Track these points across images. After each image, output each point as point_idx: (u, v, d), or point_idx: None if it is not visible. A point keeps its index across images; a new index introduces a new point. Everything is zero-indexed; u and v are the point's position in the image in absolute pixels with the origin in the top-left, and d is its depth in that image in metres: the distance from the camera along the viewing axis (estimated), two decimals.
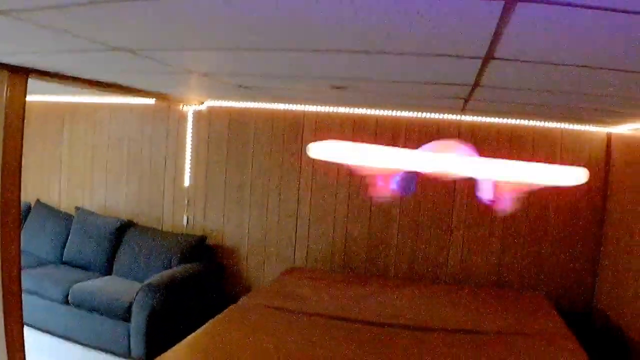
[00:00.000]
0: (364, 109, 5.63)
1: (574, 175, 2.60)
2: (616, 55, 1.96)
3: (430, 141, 5.35)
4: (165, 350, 3.26)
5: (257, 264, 6.16)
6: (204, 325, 3.69)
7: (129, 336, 5.00)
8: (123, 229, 6.20)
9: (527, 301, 4.78)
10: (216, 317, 3.89)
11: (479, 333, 3.90)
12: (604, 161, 5.21)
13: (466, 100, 3.89)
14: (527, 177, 2.59)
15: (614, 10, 1.38)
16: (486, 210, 5.41)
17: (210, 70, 3.55)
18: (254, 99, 5.58)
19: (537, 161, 5.08)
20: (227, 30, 2.09)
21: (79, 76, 3.96)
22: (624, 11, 1.38)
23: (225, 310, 4.07)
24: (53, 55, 3.02)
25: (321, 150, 2.76)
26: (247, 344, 3.41)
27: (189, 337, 3.46)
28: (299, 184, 5.96)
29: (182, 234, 6.17)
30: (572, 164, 5.03)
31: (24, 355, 3.50)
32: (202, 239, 6.07)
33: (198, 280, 5.70)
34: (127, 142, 6.61)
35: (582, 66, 2.18)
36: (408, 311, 4.33)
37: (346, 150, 2.76)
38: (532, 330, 4.02)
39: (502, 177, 2.65)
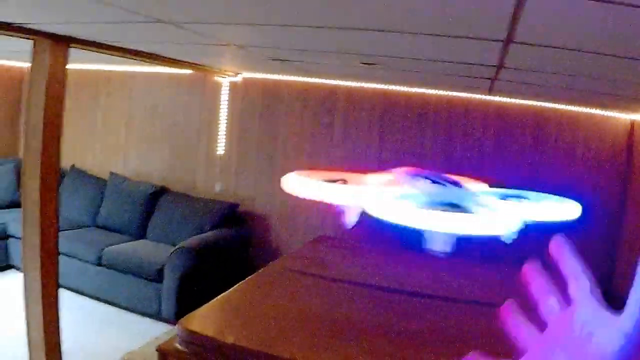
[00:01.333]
0: (394, 86, 5.70)
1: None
2: (625, 44, 2.04)
3: (457, 119, 5.48)
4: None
5: (287, 232, 6.27)
6: (235, 286, 3.83)
7: (159, 297, 5.17)
8: (156, 195, 6.34)
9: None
10: (246, 279, 4.03)
11: (492, 305, 4.00)
12: (627, 148, 5.20)
13: (493, 81, 3.96)
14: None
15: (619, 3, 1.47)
16: None
17: (245, 43, 3.64)
18: (287, 72, 5.66)
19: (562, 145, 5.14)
20: (265, 5, 2.21)
21: (119, 46, 4.06)
22: (629, 5, 1.46)
23: (255, 273, 4.22)
24: (95, 26, 3.12)
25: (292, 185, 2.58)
26: (273, 305, 3.56)
27: (220, 295, 3.59)
28: (329, 157, 6.03)
29: (214, 200, 6.25)
30: (597, 149, 5.13)
31: (58, 312, 3.63)
32: (234, 206, 6.16)
33: (229, 246, 5.86)
34: (162, 110, 6.74)
35: (597, 53, 2.25)
36: (429, 282, 4.45)
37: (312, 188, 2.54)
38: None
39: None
